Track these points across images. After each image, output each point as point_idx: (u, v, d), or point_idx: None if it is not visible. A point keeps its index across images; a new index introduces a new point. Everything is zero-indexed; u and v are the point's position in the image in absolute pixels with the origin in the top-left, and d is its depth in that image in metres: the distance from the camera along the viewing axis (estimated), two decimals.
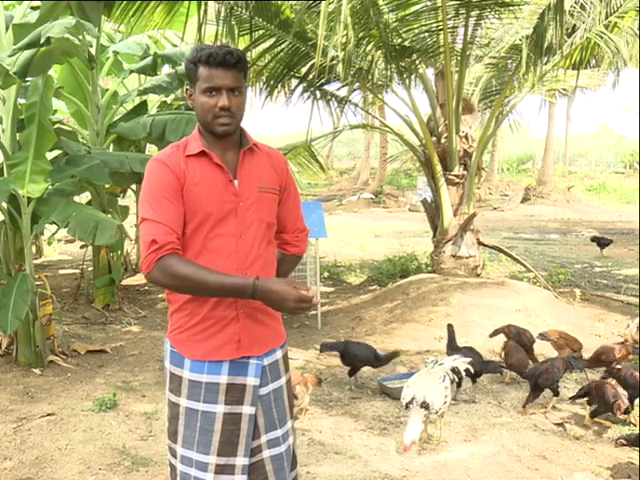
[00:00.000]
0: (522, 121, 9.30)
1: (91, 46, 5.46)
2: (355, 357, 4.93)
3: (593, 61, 8.32)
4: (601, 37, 7.09)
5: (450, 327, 5.15)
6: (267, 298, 1.97)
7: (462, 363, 4.25)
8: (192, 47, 7.03)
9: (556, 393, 4.44)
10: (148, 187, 2.08)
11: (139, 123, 6.76)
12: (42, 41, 4.40)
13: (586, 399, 4.25)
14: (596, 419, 4.23)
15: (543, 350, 5.52)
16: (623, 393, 4.12)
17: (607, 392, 4.04)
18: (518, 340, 5.22)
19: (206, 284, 1.98)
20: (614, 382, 4.32)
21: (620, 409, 3.98)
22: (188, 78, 2.11)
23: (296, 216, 2.34)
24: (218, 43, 6.59)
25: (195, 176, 2.07)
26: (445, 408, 3.86)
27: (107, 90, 7.88)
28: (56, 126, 6.51)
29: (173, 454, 2.18)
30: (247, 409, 2.12)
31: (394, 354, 5.03)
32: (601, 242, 11.87)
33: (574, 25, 7.27)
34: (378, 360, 4.97)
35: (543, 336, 5.38)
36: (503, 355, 5.09)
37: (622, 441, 3.63)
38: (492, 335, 5.49)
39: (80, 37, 5.18)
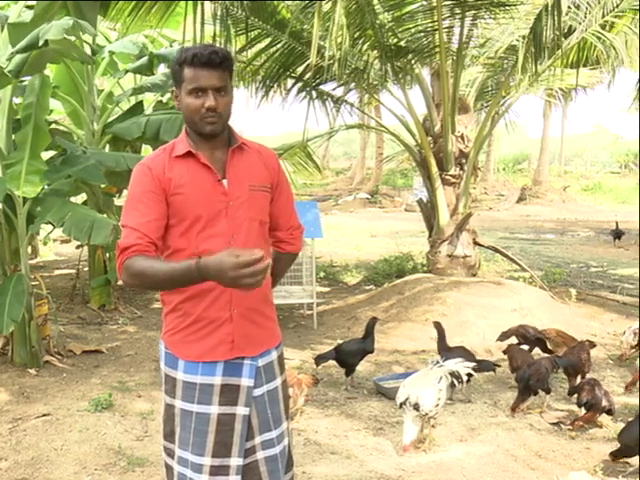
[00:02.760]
0: (518, 121, 9.30)
1: (89, 45, 5.44)
2: (349, 354, 4.95)
3: (591, 59, 8.31)
4: (598, 38, 7.09)
5: (439, 325, 5.05)
6: (209, 275, 1.76)
7: (464, 367, 4.21)
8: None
9: (548, 391, 4.44)
10: (129, 194, 2.08)
11: (134, 123, 6.74)
12: (40, 43, 4.39)
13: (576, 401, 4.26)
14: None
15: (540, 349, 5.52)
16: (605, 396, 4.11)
17: (582, 394, 4.09)
18: (537, 341, 5.15)
19: (158, 277, 1.90)
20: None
21: (596, 413, 4.03)
22: (174, 80, 2.09)
23: (290, 213, 2.33)
24: (211, 43, 6.57)
25: (182, 177, 2.06)
26: (436, 410, 3.82)
27: (103, 90, 7.87)
28: (52, 126, 6.49)
29: (170, 455, 2.18)
30: (241, 410, 2.11)
31: (371, 324, 5.05)
32: (617, 233, 13.41)
33: (570, 26, 7.28)
34: (368, 344, 4.99)
35: (542, 334, 5.38)
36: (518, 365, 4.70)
37: (611, 457, 3.64)
38: (501, 338, 5.36)
39: (78, 35, 5.16)
